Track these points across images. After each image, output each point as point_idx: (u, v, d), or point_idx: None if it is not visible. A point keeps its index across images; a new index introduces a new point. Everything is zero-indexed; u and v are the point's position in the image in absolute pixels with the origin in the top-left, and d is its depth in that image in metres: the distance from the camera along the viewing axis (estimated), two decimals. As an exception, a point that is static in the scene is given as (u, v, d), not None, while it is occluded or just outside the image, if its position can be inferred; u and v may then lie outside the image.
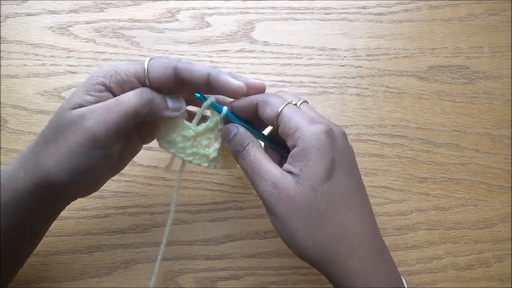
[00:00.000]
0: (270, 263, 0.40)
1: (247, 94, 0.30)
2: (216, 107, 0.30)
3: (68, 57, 0.43)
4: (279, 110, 0.28)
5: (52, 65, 0.43)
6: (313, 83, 0.45)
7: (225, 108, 0.30)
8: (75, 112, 0.27)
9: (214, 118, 0.31)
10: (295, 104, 0.29)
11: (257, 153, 0.28)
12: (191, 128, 0.31)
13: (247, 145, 0.29)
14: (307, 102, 0.31)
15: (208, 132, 0.32)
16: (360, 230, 0.27)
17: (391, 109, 0.44)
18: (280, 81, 0.44)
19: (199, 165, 0.32)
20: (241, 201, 0.41)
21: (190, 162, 0.32)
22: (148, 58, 0.29)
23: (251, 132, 0.30)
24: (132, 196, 0.41)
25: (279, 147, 0.32)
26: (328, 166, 0.26)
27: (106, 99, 0.28)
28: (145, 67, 0.28)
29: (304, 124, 0.27)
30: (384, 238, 0.41)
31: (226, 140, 0.30)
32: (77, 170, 0.27)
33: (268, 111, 0.29)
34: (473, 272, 0.41)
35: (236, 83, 0.29)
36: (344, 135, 0.29)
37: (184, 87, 0.30)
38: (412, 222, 0.42)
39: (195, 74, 0.29)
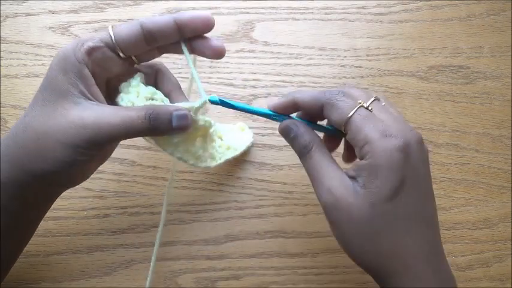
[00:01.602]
0: (270, 263, 0.40)
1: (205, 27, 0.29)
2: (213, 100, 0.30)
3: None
4: (348, 116, 0.26)
5: (52, 65, 0.43)
6: (313, 83, 0.45)
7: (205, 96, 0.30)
8: (76, 116, 0.26)
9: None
10: (367, 107, 0.27)
11: (320, 157, 0.27)
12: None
13: (311, 149, 0.28)
14: (379, 100, 0.28)
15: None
16: (418, 249, 0.25)
17: (391, 109, 0.44)
18: (280, 81, 0.44)
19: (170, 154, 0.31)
20: (241, 201, 0.41)
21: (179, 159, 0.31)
22: (110, 26, 0.29)
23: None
24: (132, 196, 0.41)
25: (320, 127, 0.31)
26: (395, 186, 0.25)
27: (85, 77, 0.27)
28: (110, 32, 0.28)
29: (375, 138, 0.25)
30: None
31: (286, 137, 0.30)
32: (72, 164, 0.27)
33: (335, 116, 0.27)
34: (473, 272, 0.41)
35: (201, 12, 0.29)
36: (420, 143, 0.26)
37: (154, 46, 0.30)
38: (412, 222, 0.42)
39: (162, 22, 0.28)
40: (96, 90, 0.28)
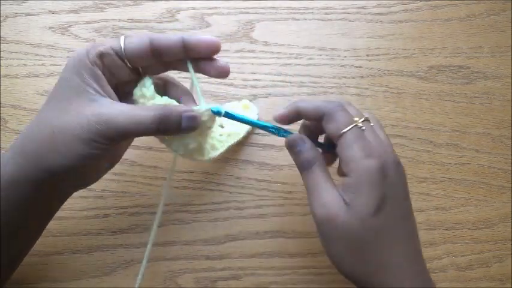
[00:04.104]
0: (270, 263, 0.40)
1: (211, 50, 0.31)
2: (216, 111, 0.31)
3: (68, 57, 0.43)
4: (342, 131, 0.28)
5: (52, 65, 0.43)
6: (313, 83, 0.45)
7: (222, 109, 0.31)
8: (90, 112, 0.27)
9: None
10: (360, 127, 0.29)
11: (321, 173, 0.29)
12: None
13: (314, 164, 0.30)
14: (368, 121, 0.30)
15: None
16: (404, 263, 0.28)
17: (391, 109, 0.44)
18: (281, 81, 0.44)
19: (175, 151, 0.32)
20: (241, 201, 0.41)
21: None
22: (122, 36, 0.30)
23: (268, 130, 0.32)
24: (132, 196, 0.41)
25: (320, 144, 0.34)
26: (377, 202, 0.27)
27: (98, 77, 0.29)
28: (121, 42, 0.29)
29: (359, 157, 0.27)
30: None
31: (292, 150, 0.31)
32: (86, 157, 0.28)
33: (331, 128, 0.29)
34: (473, 272, 0.41)
35: (209, 37, 0.30)
36: (398, 165, 0.29)
37: (161, 61, 0.31)
38: (412, 222, 0.42)
39: (171, 41, 0.30)
40: (109, 89, 0.30)
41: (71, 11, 0.45)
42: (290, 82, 0.44)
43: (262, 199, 0.41)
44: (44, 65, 0.43)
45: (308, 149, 0.30)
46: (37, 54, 0.43)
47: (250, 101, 0.43)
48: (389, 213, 0.27)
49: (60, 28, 0.44)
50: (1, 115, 0.42)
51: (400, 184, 0.29)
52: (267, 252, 0.40)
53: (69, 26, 0.44)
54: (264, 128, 0.33)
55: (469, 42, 0.47)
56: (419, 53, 0.46)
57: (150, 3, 0.45)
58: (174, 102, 0.32)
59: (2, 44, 0.43)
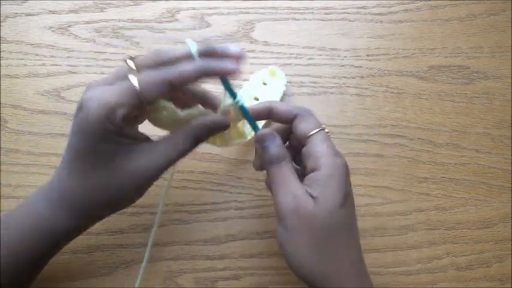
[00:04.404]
0: (270, 263, 0.40)
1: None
2: (231, 92, 0.31)
3: (68, 57, 0.43)
4: (312, 132, 0.31)
5: (52, 65, 0.43)
6: (313, 83, 0.45)
7: (240, 100, 0.31)
8: (137, 166, 0.29)
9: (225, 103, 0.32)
10: (326, 132, 0.32)
11: (290, 168, 0.31)
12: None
13: (284, 160, 0.31)
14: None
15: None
16: (356, 254, 0.30)
17: (391, 109, 0.44)
18: (280, 81, 0.44)
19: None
20: (241, 201, 0.41)
21: None
22: (134, 78, 0.27)
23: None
24: (132, 196, 0.41)
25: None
26: (343, 196, 0.29)
27: (126, 134, 0.28)
28: (137, 88, 0.27)
29: (329, 154, 0.30)
30: (383, 238, 0.41)
31: (262, 144, 0.31)
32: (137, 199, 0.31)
33: (302, 128, 0.31)
34: (473, 272, 0.41)
35: (230, 67, 0.29)
36: (347, 167, 0.31)
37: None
38: (412, 222, 0.42)
39: (190, 78, 0.28)
40: (136, 131, 0.31)
41: (71, 11, 0.45)
42: (290, 82, 0.44)
43: (262, 199, 0.41)
44: (44, 65, 0.43)
45: (278, 144, 0.31)
46: (37, 54, 0.43)
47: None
48: (350, 208, 0.30)
49: (60, 28, 0.44)
50: (1, 115, 0.42)
51: (351, 186, 0.31)
52: (267, 252, 0.40)
53: (69, 26, 0.44)
54: (255, 128, 0.32)
55: (469, 42, 0.47)
56: (419, 53, 0.46)
57: (150, 3, 0.45)
58: (195, 110, 0.32)
59: (2, 44, 0.43)
